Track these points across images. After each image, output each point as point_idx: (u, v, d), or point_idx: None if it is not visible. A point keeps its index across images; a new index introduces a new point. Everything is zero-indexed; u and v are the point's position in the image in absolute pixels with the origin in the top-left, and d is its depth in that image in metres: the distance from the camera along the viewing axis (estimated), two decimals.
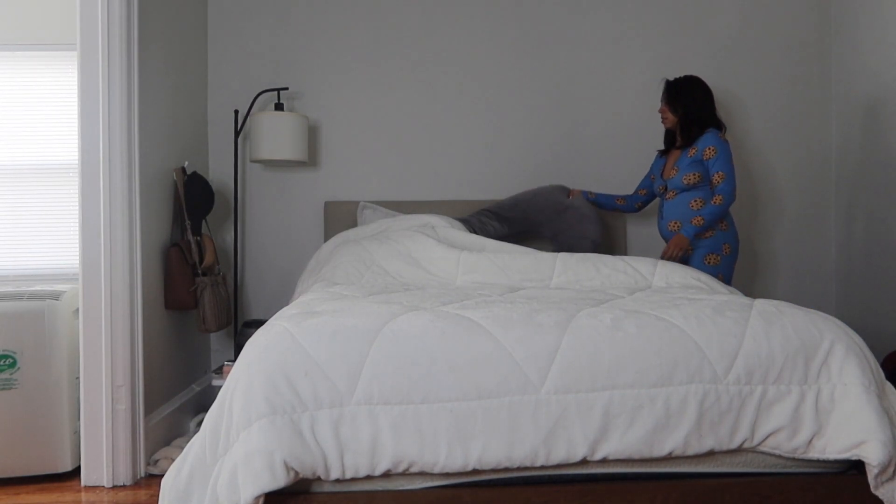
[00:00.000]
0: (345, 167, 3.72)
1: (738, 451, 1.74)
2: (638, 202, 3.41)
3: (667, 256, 2.98)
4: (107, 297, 2.63)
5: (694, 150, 3.05)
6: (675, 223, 3.09)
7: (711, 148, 3.00)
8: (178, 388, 3.20)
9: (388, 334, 1.72)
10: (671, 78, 3.23)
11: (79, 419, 2.73)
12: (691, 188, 3.05)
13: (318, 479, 1.65)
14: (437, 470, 1.64)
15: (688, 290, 2.34)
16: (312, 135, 3.71)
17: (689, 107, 3.09)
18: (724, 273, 3.05)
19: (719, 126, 3.11)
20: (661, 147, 3.35)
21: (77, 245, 3.07)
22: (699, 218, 2.97)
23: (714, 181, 3.00)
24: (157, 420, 2.87)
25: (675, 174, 3.09)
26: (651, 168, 3.35)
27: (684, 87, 3.12)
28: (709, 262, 3.03)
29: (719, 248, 3.03)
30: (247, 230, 3.71)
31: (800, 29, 3.81)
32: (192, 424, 3.23)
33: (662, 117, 3.17)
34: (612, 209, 3.44)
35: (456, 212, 3.60)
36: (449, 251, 2.78)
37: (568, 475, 1.73)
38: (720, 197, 2.97)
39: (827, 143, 3.82)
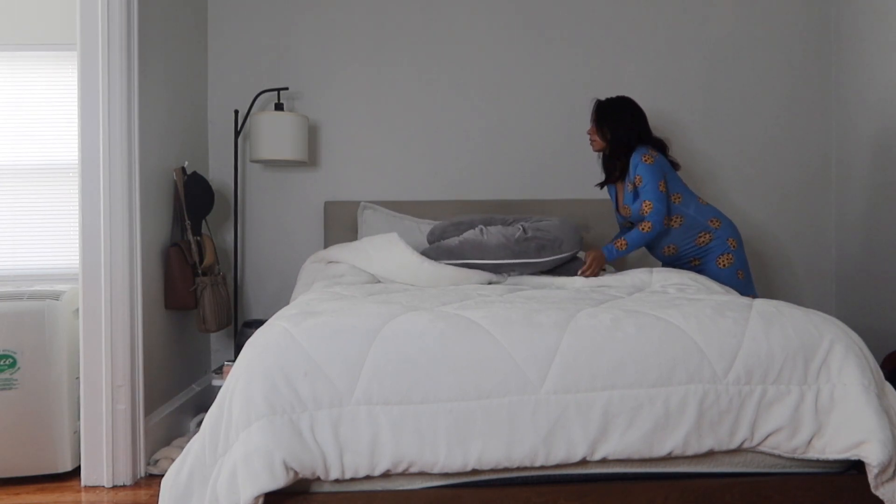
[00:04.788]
0: (345, 167, 3.72)
1: (738, 451, 1.74)
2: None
3: (587, 274, 2.75)
4: (107, 297, 2.63)
5: (632, 185, 2.88)
6: (670, 247, 2.93)
7: (638, 178, 2.82)
8: (178, 388, 3.20)
9: (387, 334, 1.73)
10: (602, 98, 2.96)
11: (79, 419, 2.73)
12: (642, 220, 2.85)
13: (318, 479, 1.65)
14: (436, 470, 1.64)
15: (686, 290, 2.34)
16: (312, 135, 3.71)
17: (616, 131, 2.90)
18: (743, 268, 2.88)
19: (655, 145, 2.92)
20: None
21: (77, 245, 3.08)
22: (623, 242, 2.80)
23: (643, 210, 2.80)
24: (157, 420, 2.87)
25: (630, 212, 2.90)
26: (613, 199, 3.12)
27: (614, 108, 2.93)
28: (723, 265, 2.86)
29: (725, 246, 2.86)
30: (247, 230, 3.71)
31: (800, 30, 3.81)
32: (192, 424, 3.23)
33: (590, 139, 2.98)
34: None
35: (456, 212, 3.60)
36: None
37: (567, 475, 1.73)
38: (648, 224, 2.79)
39: (827, 143, 3.82)
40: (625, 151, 2.90)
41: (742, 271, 2.89)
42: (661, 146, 2.94)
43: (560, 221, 2.84)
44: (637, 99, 3.76)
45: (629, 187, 2.89)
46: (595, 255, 2.79)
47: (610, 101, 2.96)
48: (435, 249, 2.82)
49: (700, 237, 2.89)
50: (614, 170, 2.97)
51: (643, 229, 2.80)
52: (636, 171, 2.84)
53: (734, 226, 2.94)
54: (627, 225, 3.09)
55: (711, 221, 2.90)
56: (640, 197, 2.84)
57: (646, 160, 2.81)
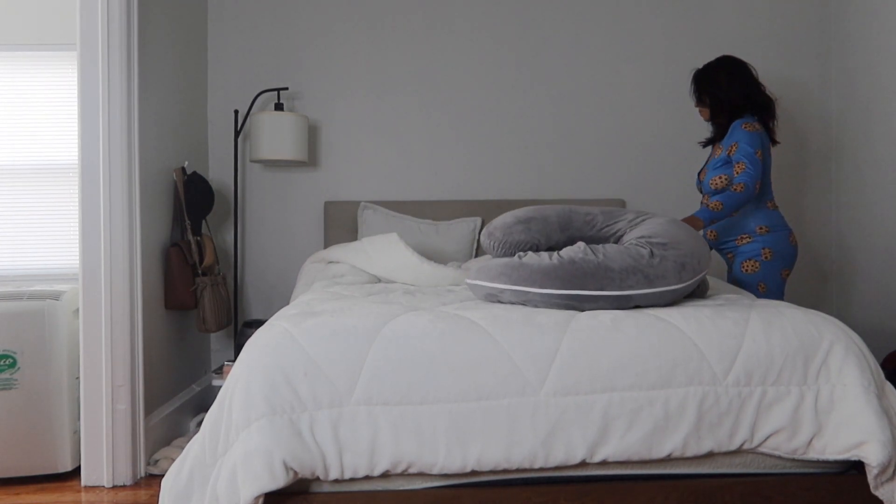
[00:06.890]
0: (345, 167, 3.72)
1: (738, 452, 1.74)
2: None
3: None
4: (107, 297, 2.63)
5: (728, 151, 2.75)
6: (711, 232, 2.86)
7: (734, 144, 2.70)
8: (178, 388, 3.20)
9: (387, 335, 1.72)
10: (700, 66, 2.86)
11: (79, 419, 2.73)
12: (719, 193, 2.74)
13: (318, 479, 1.65)
14: (435, 471, 1.64)
15: None
16: (312, 135, 3.71)
17: (715, 94, 2.80)
18: (768, 283, 2.73)
19: (757, 110, 2.77)
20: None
21: (77, 245, 3.07)
22: (718, 203, 2.61)
23: (736, 171, 2.66)
24: (157, 420, 2.87)
25: (705, 176, 2.82)
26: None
27: (707, 73, 2.84)
28: (746, 270, 2.74)
29: (758, 253, 2.73)
30: (247, 230, 3.71)
31: (799, 29, 3.81)
32: (192, 424, 3.23)
33: (700, 112, 2.91)
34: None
35: (456, 212, 3.60)
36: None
37: (567, 476, 1.72)
38: (741, 185, 2.61)
39: (827, 142, 3.82)
40: (727, 113, 2.78)
41: (765, 285, 2.74)
42: (767, 107, 2.79)
43: (669, 223, 2.11)
44: (636, 99, 3.76)
45: (718, 152, 2.78)
46: (691, 220, 2.61)
47: (705, 66, 2.86)
48: (515, 269, 1.96)
49: (742, 238, 2.78)
50: (716, 131, 2.87)
51: (736, 189, 2.61)
52: (734, 137, 2.70)
53: (787, 239, 2.74)
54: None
55: (759, 228, 2.75)
56: (731, 161, 2.70)
57: (746, 127, 2.70)
